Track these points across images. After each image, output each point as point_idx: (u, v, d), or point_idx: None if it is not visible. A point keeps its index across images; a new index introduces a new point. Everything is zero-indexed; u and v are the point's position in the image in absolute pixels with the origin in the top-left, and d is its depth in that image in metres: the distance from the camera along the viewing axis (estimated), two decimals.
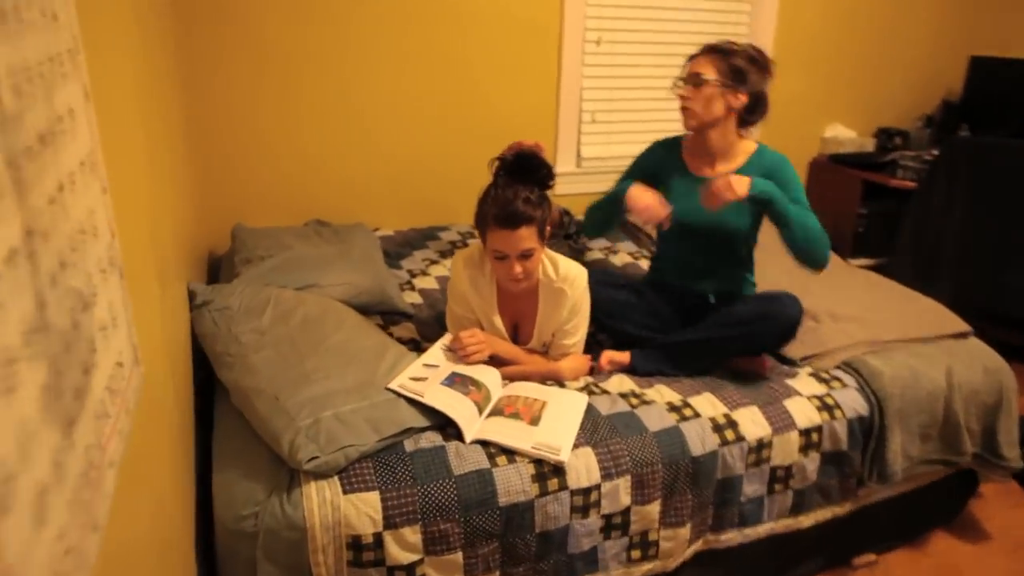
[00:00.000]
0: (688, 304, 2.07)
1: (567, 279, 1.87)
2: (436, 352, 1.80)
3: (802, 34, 3.41)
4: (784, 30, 3.36)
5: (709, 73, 1.90)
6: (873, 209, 3.48)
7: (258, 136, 2.69)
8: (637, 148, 3.32)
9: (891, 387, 1.90)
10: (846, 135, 3.65)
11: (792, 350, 2.02)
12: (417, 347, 2.04)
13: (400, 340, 2.06)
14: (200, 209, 2.63)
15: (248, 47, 2.58)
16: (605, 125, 3.23)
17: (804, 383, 1.92)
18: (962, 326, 2.18)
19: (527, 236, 1.72)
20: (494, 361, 1.86)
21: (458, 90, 2.92)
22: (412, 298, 2.35)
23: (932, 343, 2.10)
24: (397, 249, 2.69)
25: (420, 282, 2.47)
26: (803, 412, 1.84)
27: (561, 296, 1.86)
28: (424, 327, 2.16)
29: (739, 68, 1.89)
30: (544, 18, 2.94)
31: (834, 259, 2.62)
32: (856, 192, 3.44)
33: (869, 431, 1.91)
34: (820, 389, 1.91)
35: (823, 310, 2.20)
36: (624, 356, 1.98)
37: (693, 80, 1.93)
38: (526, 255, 1.75)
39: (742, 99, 1.93)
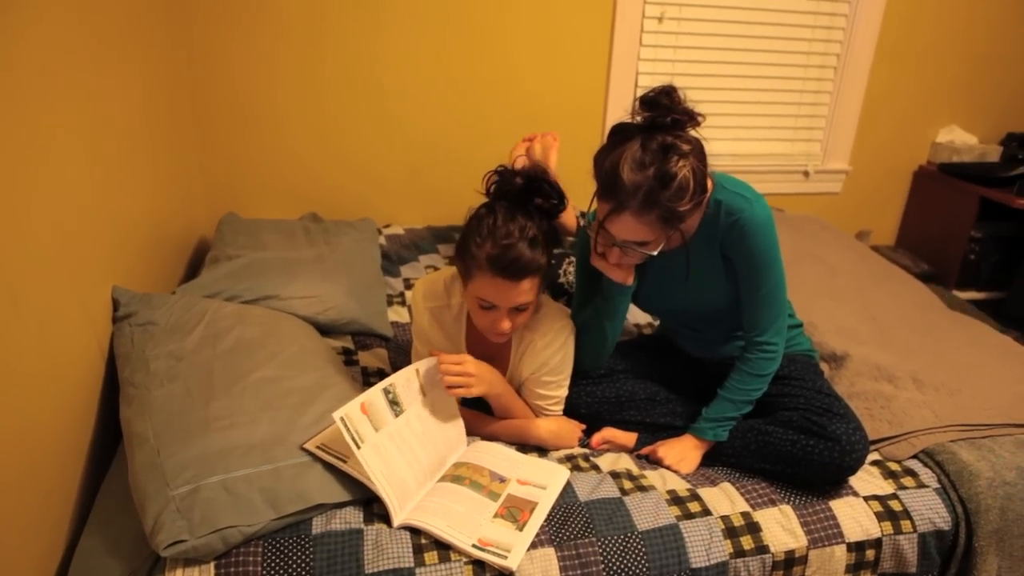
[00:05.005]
0: (712, 369, 1.62)
1: (540, 331, 1.47)
2: (403, 378, 1.38)
3: (914, 15, 2.81)
4: (893, 9, 2.77)
5: (639, 235, 1.33)
6: (990, 232, 2.86)
7: (270, 113, 2.40)
8: (712, 146, 2.90)
9: (988, 496, 1.41)
10: (964, 140, 3.03)
11: None
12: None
13: (366, 371, 1.72)
14: (200, 191, 2.37)
15: (264, 12, 2.27)
16: None
17: (864, 478, 1.45)
18: None
19: (528, 289, 1.33)
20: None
21: (492, 69, 2.53)
22: (399, 315, 2.00)
23: None
24: (401, 251, 2.35)
25: None
26: (856, 519, 1.38)
27: (531, 348, 1.47)
28: (400, 355, 1.81)
29: (673, 210, 1.28)
30: None
31: (931, 300, 2.12)
32: (970, 211, 2.83)
33: (951, 551, 1.43)
34: (886, 488, 1.44)
35: (905, 372, 1.70)
36: (628, 438, 1.57)
37: (622, 246, 1.37)
38: (520, 309, 1.37)
39: (691, 221, 1.41)
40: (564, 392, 1.55)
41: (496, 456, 1.43)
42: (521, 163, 1.63)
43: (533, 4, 2.47)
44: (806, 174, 2.94)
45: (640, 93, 2.64)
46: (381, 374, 1.71)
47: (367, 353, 1.80)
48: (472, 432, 1.52)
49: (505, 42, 2.50)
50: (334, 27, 2.33)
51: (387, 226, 2.53)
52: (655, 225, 1.30)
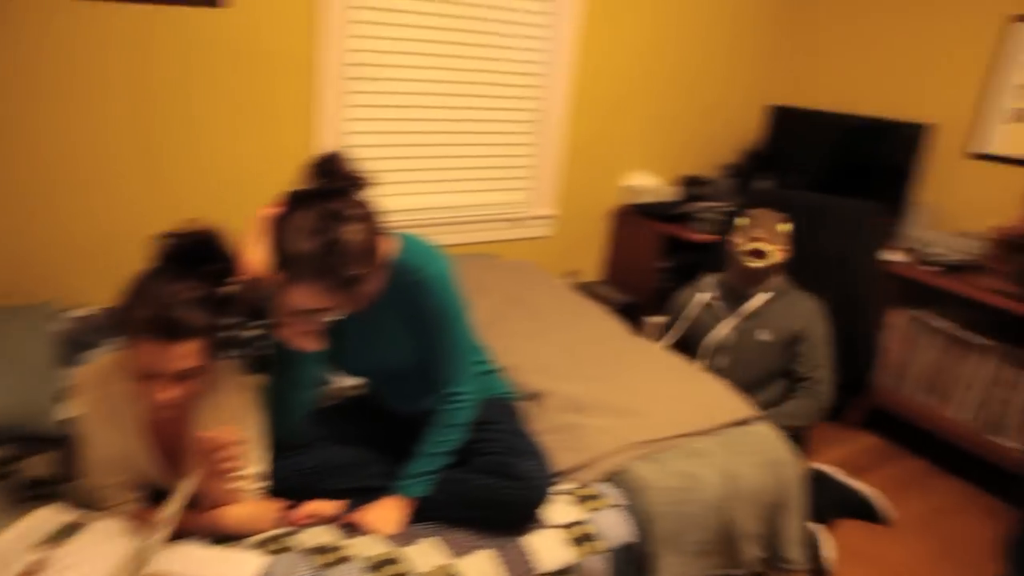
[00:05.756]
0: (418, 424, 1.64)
1: (222, 407, 1.40)
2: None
3: (599, 77, 3.18)
4: (580, 72, 3.11)
5: (316, 303, 1.33)
6: (676, 263, 3.28)
7: None
8: (427, 199, 2.85)
9: (659, 504, 1.58)
10: (649, 183, 3.46)
11: (555, 461, 1.66)
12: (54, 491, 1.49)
13: (36, 480, 1.51)
14: None
15: None
16: (382, 175, 2.81)
17: (558, 508, 1.55)
18: (746, 411, 1.92)
19: (190, 353, 1.26)
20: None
21: (184, 139, 2.40)
22: (73, 410, 1.78)
23: (712, 435, 1.82)
24: (90, 336, 2.11)
25: None
26: (552, 550, 1.47)
27: (213, 427, 1.40)
28: (75, 455, 1.61)
29: (347, 276, 1.29)
30: (293, 53, 2.49)
31: (620, 329, 2.35)
32: (657, 245, 3.23)
33: (639, 560, 1.57)
34: (577, 514, 1.55)
35: (594, 400, 1.87)
36: (336, 507, 1.53)
37: (303, 314, 1.37)
38: (186, 375, 1.28)
39: (373, 282, 1.40)
40: (258, 469, 1.48)
41: (182, 557, 1.31)
42: (260, 226, 1.56)
43: (225, 70, 2.39)
44: (517, 220, 3.15)
45: (345, 154, 2.68)
46: (49, 484, 1.51)
47: (34, 459, 1.58)
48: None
49: (195, 112, 2.39)
50: (17, 93, 2.08)
51: (68, 309, 2.26)
52: (330, 292, 1.31)
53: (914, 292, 2.93)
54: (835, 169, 3.36)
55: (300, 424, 1.55)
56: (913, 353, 2.93)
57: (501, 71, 2.96)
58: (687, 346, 2.44)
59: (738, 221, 2.34)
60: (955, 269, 2.76)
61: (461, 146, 2.98)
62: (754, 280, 2.30)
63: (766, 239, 2.26)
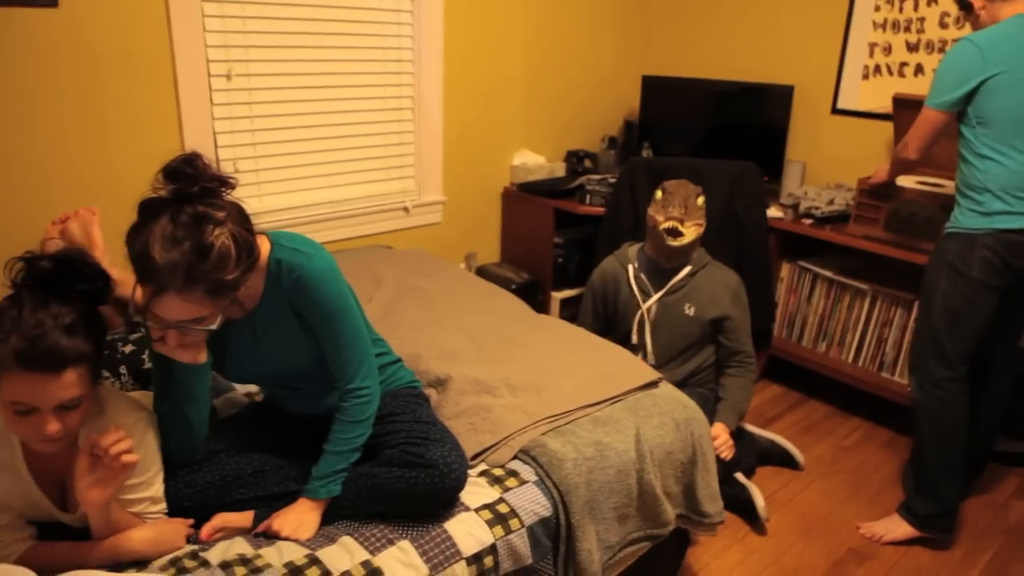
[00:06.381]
0: (323, 424, 1.56)
1: (105, 429, 1.27)
2: None
3: (472, 59, 3.15)
4: (451, 56, 3.06)
5: (191, 313, 1.24)
6: (569, 237, 3.31)
7: None
8: (313, 195, 2.79)
9: (575, 475, 1.58)
10: (535, 161, 3.47)
11: (466, 445, 1.63)
12: None
13: None
14: None
15: None
16: (253, 175, 2.68)
17: (473, 491, 1.52)
18: (650, 374, 1.95)
19: (72, 382, 1.16)
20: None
21: (35, 150, 2.20)
22: None
23: (619, 402, 1.83)
24: None
25: None
26: (470, 533, 1.44)
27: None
28: None
29: (220, 281, 1.22)
30: (148, 51, 2.32)
31: (520, 309, 2.34)
32: (549, 221, 3.24)
33: (557, 532, 1.57)
34: (492, 495, 1.53)
35: (500, 380, 1.84)
36: (244, 519, 1.45)
37: (178, 327, 1.26)
38: (69, 406, 1.18)
39: (251, 286, 1.39)
40: (156, 491, 1.38)
41: None
42: (54, 247, 1.44)
43: (82, 74, 2.21)
44: (406, 210, 3.09)
45: (223, 156, 2.55)
46: None
47: None
48: (59, 570, 1.26)
49: (54, 116, 2.20)
50: None
51: None
52: (204, 300, 1.23)
53: (795, 245, 3.08)
54: (713, 134, 3.48)
55: (198, 439, 1.45)
56: (801, 302, 3.08)
57: (372, 59, 2.89)
58: (611, 318, 2.46)
59: (656, 195, 2.33)
60: (829, 220, 2.91)
61: (342, 138, 2.89)
62: (675, 256, 2.32)
63: (682, 216, 2.24)
